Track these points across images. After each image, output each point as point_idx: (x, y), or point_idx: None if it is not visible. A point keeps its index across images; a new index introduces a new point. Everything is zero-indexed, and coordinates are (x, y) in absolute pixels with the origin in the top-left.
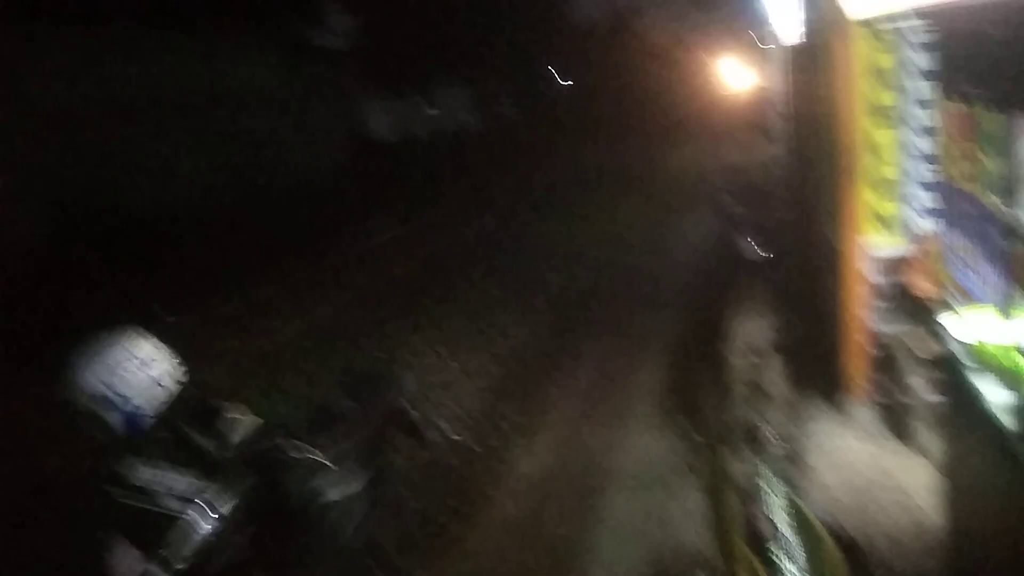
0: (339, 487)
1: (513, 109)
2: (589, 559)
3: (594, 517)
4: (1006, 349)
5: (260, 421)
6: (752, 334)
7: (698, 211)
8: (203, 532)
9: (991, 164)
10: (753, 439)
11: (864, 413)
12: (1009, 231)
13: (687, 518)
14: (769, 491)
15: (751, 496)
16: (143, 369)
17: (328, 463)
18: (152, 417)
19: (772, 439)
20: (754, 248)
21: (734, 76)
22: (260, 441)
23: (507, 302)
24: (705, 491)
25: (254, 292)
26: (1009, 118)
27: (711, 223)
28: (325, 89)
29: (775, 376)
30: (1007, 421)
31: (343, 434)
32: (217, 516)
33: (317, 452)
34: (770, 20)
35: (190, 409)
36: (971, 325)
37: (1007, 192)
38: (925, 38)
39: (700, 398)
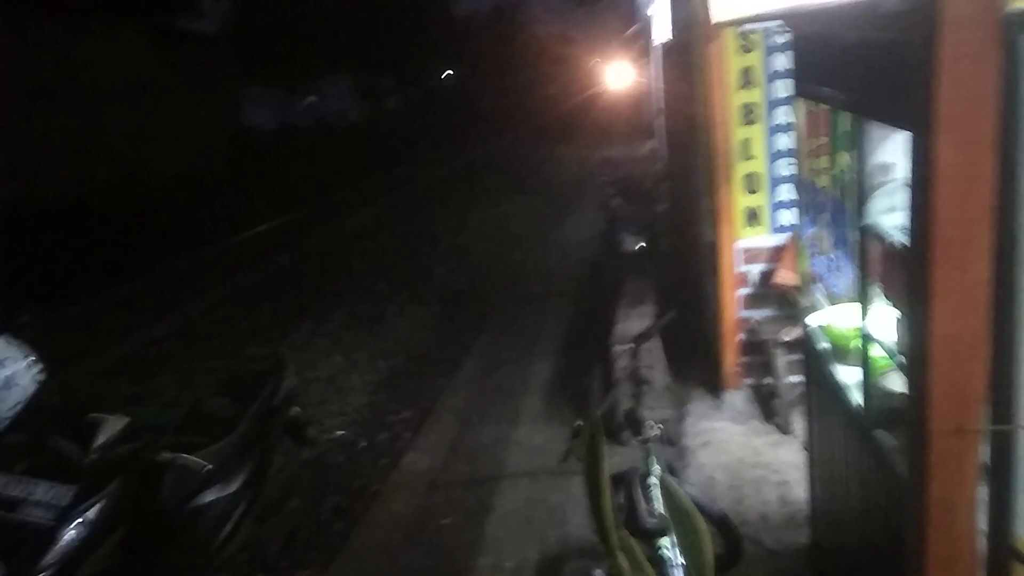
0: (215, 488)
1: (395, 100)
2: (476, 550)
3: (481, 508)
4: (855, 333)
5: (126, 421)
6: (632, 323)
7: (582, 205)
8: (67, 539)
9: (843, 162)
10: (632, 424)
11: (736, 396)
12: (859, 226)
13: (572, 506)
14: (647, 473)
15: (630, 480)
16: None
17: (203, 463)
18: (5, 420)
19: (650, 423)
20: (634, 241)
21: (615, 73)
22: (127, 443)
23: (393, 296)
24: (584, 477)
25: (122, 288)
26: (857, 118)
27: (594, 216)
28: (198, 76)
29: (654, 363)
30: (857, 399)
31: (219, 434)
32: (81, 521)
33: (191, 453)
34: (647, 20)
35: (49, 411)
36: (827, 311)
37: (858, 189)
38: (783, 40)
39: (585, 387)
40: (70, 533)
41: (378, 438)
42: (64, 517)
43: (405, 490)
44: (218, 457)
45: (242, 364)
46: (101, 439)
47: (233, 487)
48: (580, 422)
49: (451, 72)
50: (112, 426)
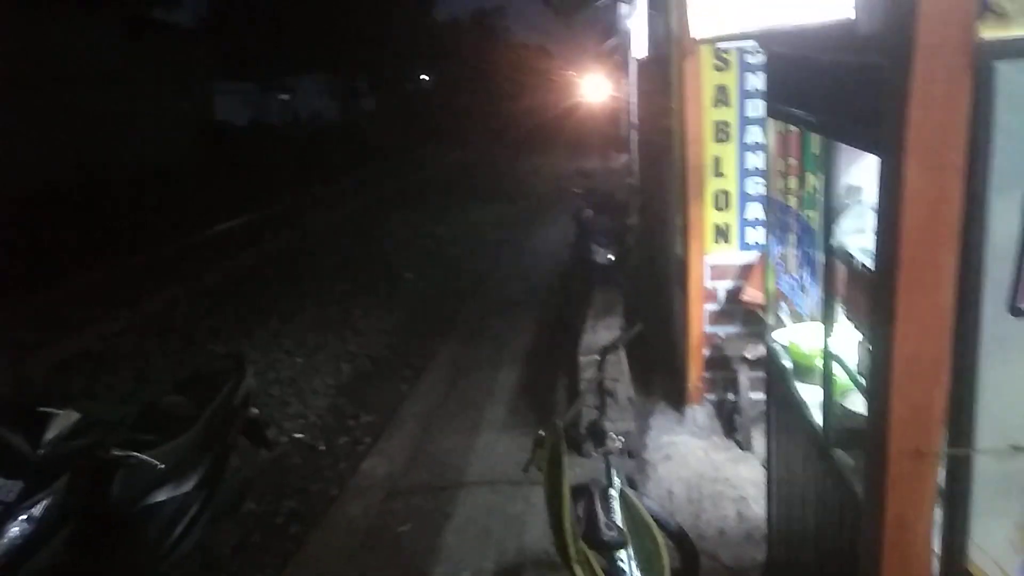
0: (167, 487)
1: (371, 101)
2: (433, 559)
3: (440, 516)
4: (818, 352)
5: (78, 416)
6: (599, 335)
7: (554, 214)
8: (10, 535)
9: (812, 183)
10: (595, 436)
11: (699, 411)
12: (826, 246)
13: (532, 516)
14: (608, 486)
15: (591, 492)
16: None
17: (156, 462)
18: None
19: (612, 436)
20: (604, 253)
21: (591, 86)
22: (78, 438)
23: (358, 298)
24: (545, 488)
25: (82, 280)
26: (827, 140)
27: (566, 226)
28: (172, 68)
29: (619, 375)
30: (817, 418)
31: (174, 432)
32: (27, 517)
33: (144, 451)
34: (625, 34)
35: None
36: (791, 330)
37: (825, 210)
38: (758, 59)
39: (549, 397)
40: (14, 529)
41: (338, 442)
42: (8, 513)
43: (363, 496)
44: (172, 456)
45: (201, 362)
46: (51, 434)
47: (187, 487)
48: (543, 432)
49: (428, 77)
50: (63, 421)
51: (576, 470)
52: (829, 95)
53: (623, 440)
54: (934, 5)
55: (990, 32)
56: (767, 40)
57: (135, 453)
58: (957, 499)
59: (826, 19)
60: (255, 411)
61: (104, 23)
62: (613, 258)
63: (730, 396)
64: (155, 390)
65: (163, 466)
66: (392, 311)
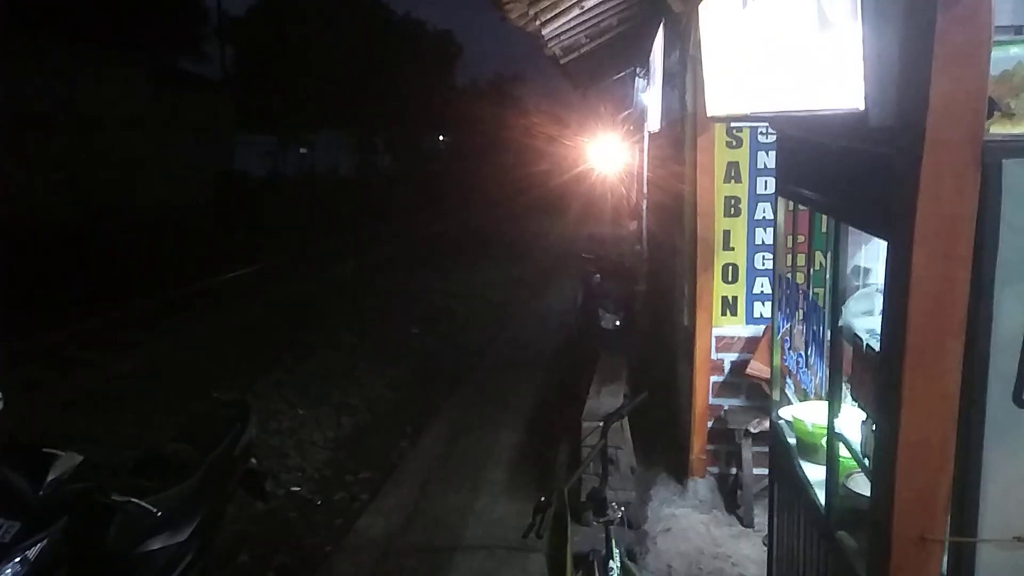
0: (164, 535)
1: (387, 159)
2: None
3: None
4: (822, 431)
5: (79, 459)
6: (603, 402)
7: (564, 278)
8: (4, 575)
9: (821, 260)
10: (596, 504)
11: (701, 484)
12: (833, 326)
13: None
14: (608, 557)
15: (591, 562)
16: None
17: (153, 509)
18: None
19: (613, 505)
20: (612, 319)
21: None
22: (79, 481)
23: (362, 352)
24: (546, 555)
25: (87, 322)
26: (836, 221)
27: (573, 290)
28: (193, 117)
29: (622, 443)
30: (821, 498)
31: (174, 479)
32: (21, 559)
33: (143, 497)
34: (639, 106)
35: (2, 442)
36: (796, 407)
37: (833, 290)
38: (769, 139)
39: (551, 462)
40: (7, 571)
41: (335, 497)
42: (4, 553)
43: (356, 554)
44: (171, 503)
45: (206, 408)
46: (52, 475)
47: (182, 536)
48: (544, 498)
49: (444, 138)
50: (65, 463)
51: (576, 538)
52: (838, 179)
53: (624, 510)
54: (944, 102)
55: (997, 130)
56: (779, 123)
57: (134, 499)
58: None
59: (837, 108)
60: (254, 462)
61: (131, 70)
62: (619, 324)
63: (733, 470)
64: (158, 435)
65: (160, 513)
66: (397, 366)
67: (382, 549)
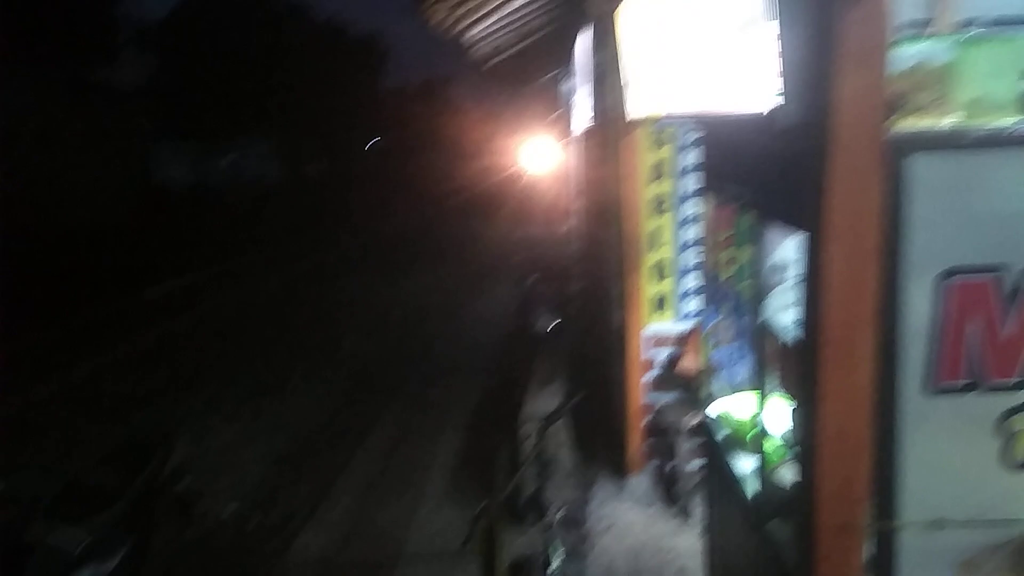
0: (89, 567)
1: (317, 166)
2: None
3: None
4: (751, 423)
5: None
6: (542, 402)
7: (497, 281)
8: None
9: (745, 257)
10: (536, 508)
11: (640, 480)
12: (757, 320)
13: None
14: (548, 560)
15: (531, 567)
16: None
17: (75, 542)
18: None
19: (553, 507)
20: (547, 320)
21: (537, 154)
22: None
23: (296, 365)
24: (481, 560)
25: (8, 344)
26: (757, 217)
27: (510, 293)
28: (112, 129)
29: (561, 444)
30: (752, 489)
31: (99, 506)
32: None
33: (64, 529)
34: (570, 106)
35: None
36: (726, 400)
37: (756, 284)
38: (693, 138)
39: (492, 467)
40: None
41: (271, 516)
42: None
43: (296, 573)
44: (95, 532)
45: (130, 432)
46: None
47: (109, 566)
48: (483, 505)
49: (376, 142)
50: None
51: (519, 541)
52: (758, 175)
53: (564, 511)
54: (848, 101)
55: (901, 127)
56: (701, 122)
57: (55, 534)
58: (884, 573)
59: (753, 109)
60: (184, 484)
61: (40, 82)
62: (555, 325)
63: (670, 464)
64: (80, 462)
65: (84, 543)
66: (332, 377)
67: (322, 566)
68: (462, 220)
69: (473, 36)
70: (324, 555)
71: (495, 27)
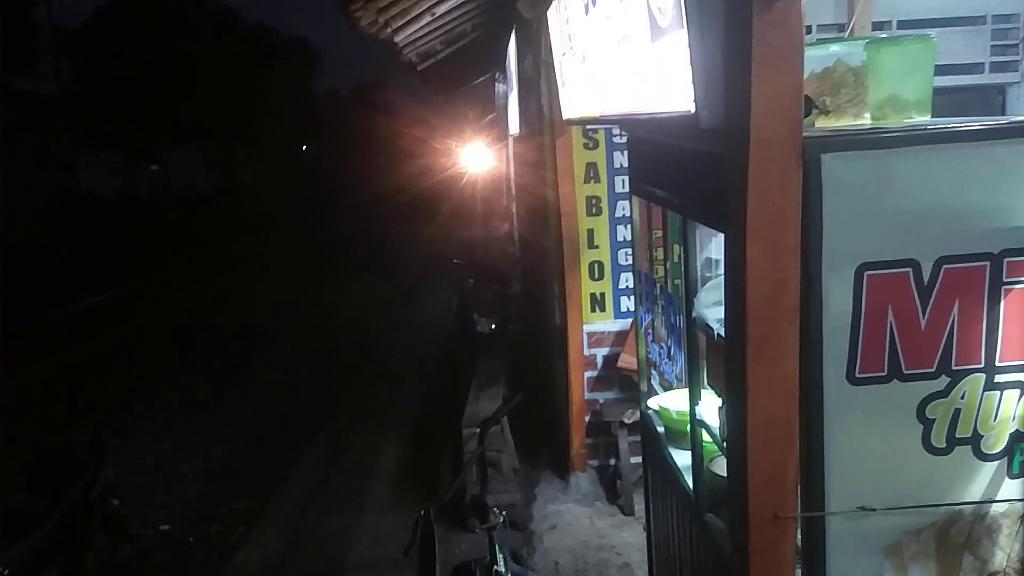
0: None
1: (249, 172)
2: None
3: None
4: (685, 417)
5: None
6: (482, 406)
7: (438, 283)
8: None
9: (678, 253)
10: (478, 511)
11: (583, 478)
12: (687, 316)
13: None
14: (491, 564)
15: (473, 571)
16: None
17: (3, 566)
18: None
19: (495, 510)
20: (487, 322)
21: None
22: None
23: (232, 375)
24: (419, 565)
25: None
26: (682, 217)
27: (448, 296)
28: (29, 138)
29: (503, 446)
30: (689, 482)
31: (23, 531)
32: None
33: None
34: (503, 108)
35: None
36: (662, 396)
37: (685, 282)
38: (623, 140)
39: (434, 471)
40: None
41: (209, 532)
42: None
43: None
44: (20, 560)
45: (55, 451)
46: None
47: None
48: (423, 512)
49: (308, 147)
50: None
51: (462, 546)
52: (680, 177)
53: (507, 513)
54: (764, 102)
55: (816, 127)
56: (627, 124)
57: None
58: (814, 561)
59: (671, 111)
60: (115, 503)
61: None
62: (495, 327)
63: (612, 461)
64: (3, 483)
65: (7, 572)
66: (269, 388)
67: None
68: (401, 223)
69: (402, 40)
70: (265, 569)
71: (426, 30)
